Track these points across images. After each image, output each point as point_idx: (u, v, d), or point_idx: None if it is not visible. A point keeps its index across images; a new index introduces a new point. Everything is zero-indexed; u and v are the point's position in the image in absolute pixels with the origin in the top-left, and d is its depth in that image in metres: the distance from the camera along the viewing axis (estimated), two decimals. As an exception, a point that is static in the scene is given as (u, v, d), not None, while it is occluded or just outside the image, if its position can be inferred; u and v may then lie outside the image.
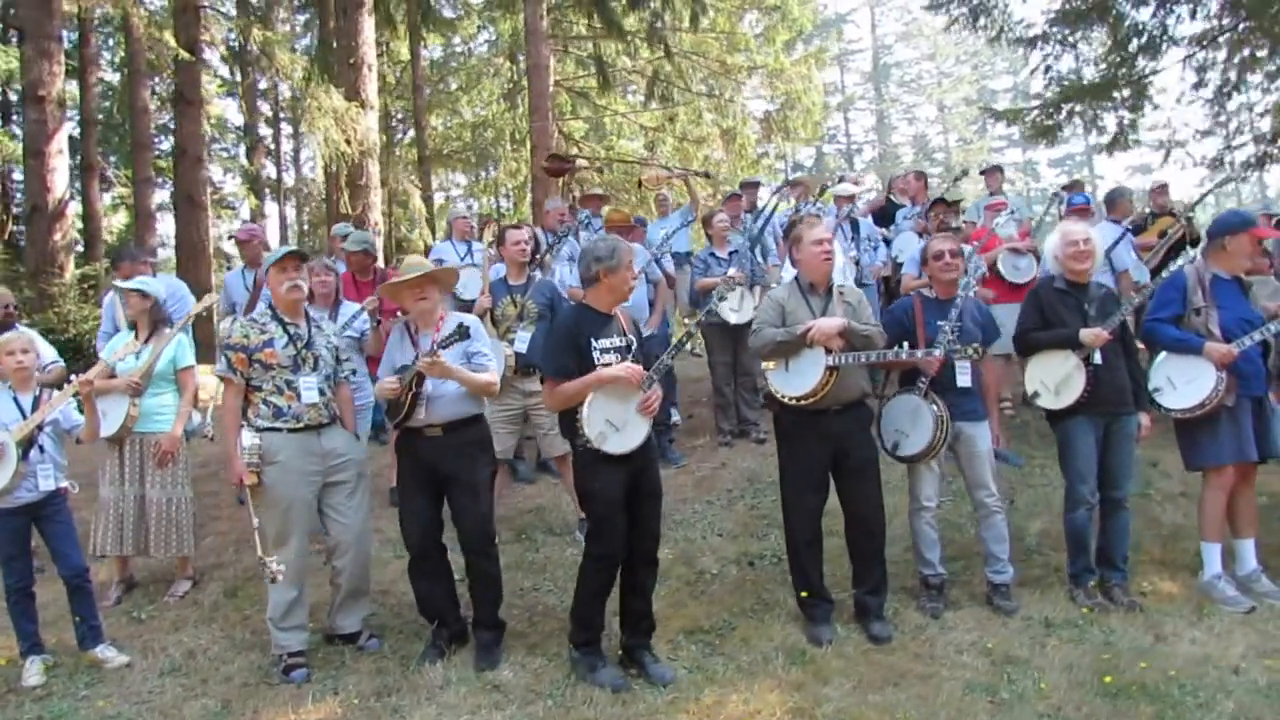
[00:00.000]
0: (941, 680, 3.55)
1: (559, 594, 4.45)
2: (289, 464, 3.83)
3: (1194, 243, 7.22)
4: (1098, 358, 4.15)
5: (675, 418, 6.97)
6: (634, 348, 3.69)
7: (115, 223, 22.82)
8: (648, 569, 3.82)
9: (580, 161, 12.55)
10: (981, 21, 12.00)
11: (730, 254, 6.60)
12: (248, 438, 3.80)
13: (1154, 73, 12.05)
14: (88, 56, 15.18)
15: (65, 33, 15.33)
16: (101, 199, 18.08)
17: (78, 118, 15.46)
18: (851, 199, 7.30)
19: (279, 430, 3.84)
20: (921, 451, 4.05)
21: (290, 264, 3.96)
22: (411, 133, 23.10)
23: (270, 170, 26.81)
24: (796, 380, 3.88)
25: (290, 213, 28.41)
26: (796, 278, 4.17)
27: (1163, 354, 4.31)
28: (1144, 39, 11.40)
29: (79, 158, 15.46)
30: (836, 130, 48.72)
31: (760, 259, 7.17)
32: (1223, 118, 12.56)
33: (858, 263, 7.12)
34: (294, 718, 3.46)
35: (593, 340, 3.60)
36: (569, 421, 3.61)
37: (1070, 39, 12.01)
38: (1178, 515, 5.15)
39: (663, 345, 6.92)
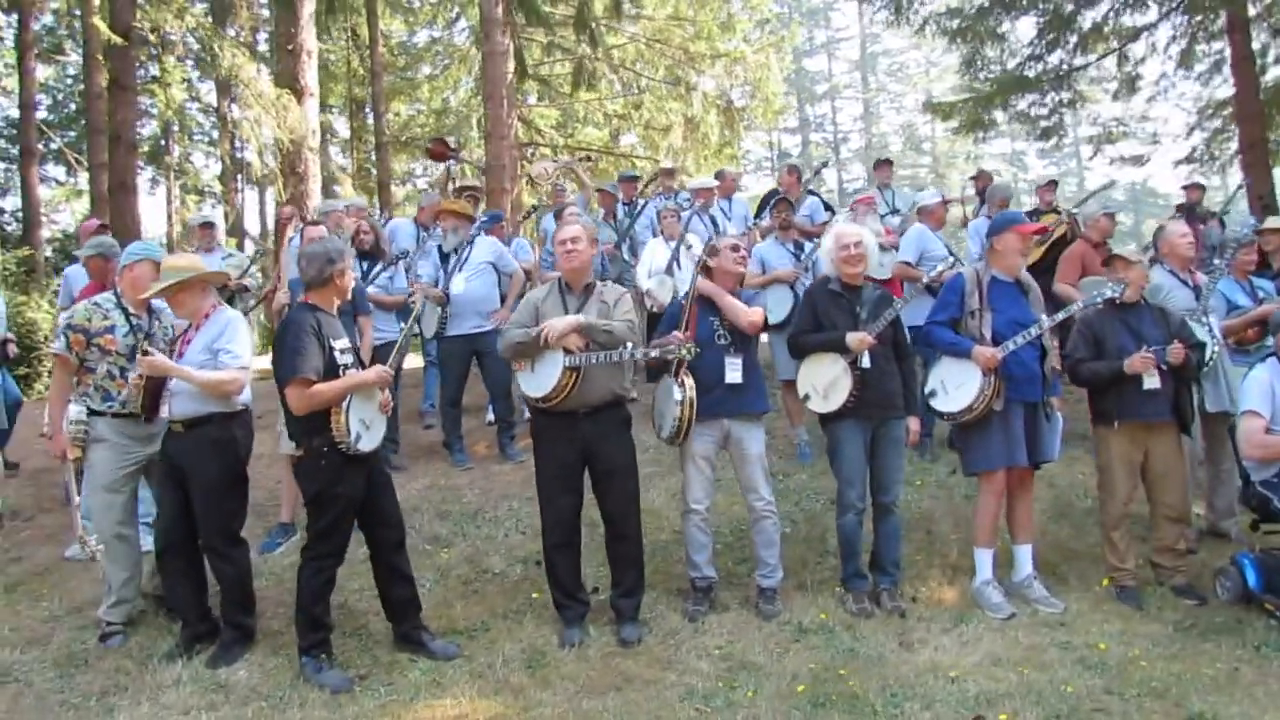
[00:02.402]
0: (666, 686, 3.52)
1: (337, 592, 4.38)
2: (114, 444, 3.99)
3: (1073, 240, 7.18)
4: (866, 361, 4.10)
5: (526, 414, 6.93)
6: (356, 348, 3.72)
7: (78, 208, 22.82)
8: (401, 553, 3.91)
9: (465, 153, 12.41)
10: (905, 13, 11.87)
11: (582, 248, 6.52)
12: (74, 411, 3.96)
13: (1082, 67, 11.96)
14: (27, 41, 15.08)
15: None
16: (45, 184, 18.10)
17: (17, 103, 15.35)
18: (711, 192, 7.21)
19: (103, 414, 3.98)
20: (672, 432, 4.01)
21: None
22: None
23: (248, 155, 26.68)
24: (537, 382, 3.83)
25: (270, 198, 28.31)
26: (559, 277, 4.12)
27: (941, 357, 4.26)
28: (1070, 31, 11.29)
29: (18, 144, 15.38)
30: (824, 119, 48.49)
31: (629, 254, 7.12)
32: (1152, 113, 12.46)
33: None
34: None
35: (332, 341, 3.59)
36: (311, 423, 3.56)
37: (997, 31, 11.87)
38: (991, 518, 5.11)
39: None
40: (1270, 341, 4.84)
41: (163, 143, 25.00)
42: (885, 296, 4.25)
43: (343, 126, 26.10)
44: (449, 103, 23.44)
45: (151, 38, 13.46)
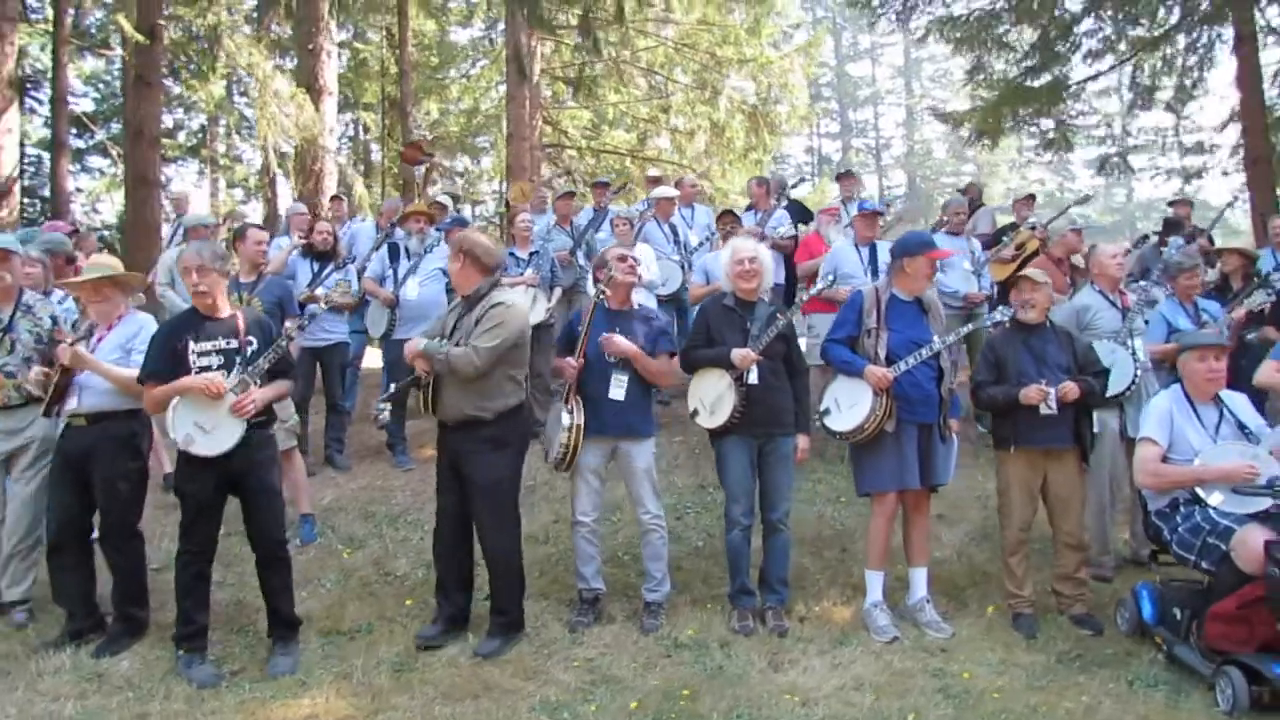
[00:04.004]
0: (521, 698, 3.53)
1: (238, 589, 4.51)
2: None
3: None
4: (754, 377, 4.07)
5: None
6: (252, 349, 3.76)
7: (119, 199, 23.62)
8: (273, 568, 3.93)
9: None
10: (912, 22, 11.72)
11: (531, 254, 6.56)
12: None
13: (1090, 78, 11.70)
14: (61, 36, 15.66)
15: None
16: (88, 175, 18.87)
17: (49, 96, 15.90)
18: (672, 202, 7.19)
19: None
20: (557, 458, 4.04)
21: None
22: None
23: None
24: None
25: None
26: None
27: (837, 375, 4.21)
28: (1068, 43, 11.04)
29: (51, 136, 15.95)
30: (866, 124, 47.88)
31: (583, 260, 7.12)
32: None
33: (684, 267, 7.04)
34: None
35: (191, 343, 3.69)
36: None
37: (1002, 39, 11.64)
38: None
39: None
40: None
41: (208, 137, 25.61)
42: (776, 312, 4.21)
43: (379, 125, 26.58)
44: (483, 103, 23.70)
45: (177, 36, 13.89)
